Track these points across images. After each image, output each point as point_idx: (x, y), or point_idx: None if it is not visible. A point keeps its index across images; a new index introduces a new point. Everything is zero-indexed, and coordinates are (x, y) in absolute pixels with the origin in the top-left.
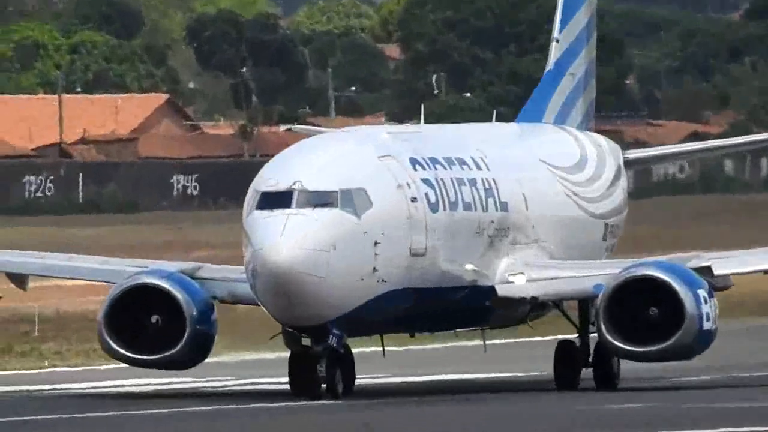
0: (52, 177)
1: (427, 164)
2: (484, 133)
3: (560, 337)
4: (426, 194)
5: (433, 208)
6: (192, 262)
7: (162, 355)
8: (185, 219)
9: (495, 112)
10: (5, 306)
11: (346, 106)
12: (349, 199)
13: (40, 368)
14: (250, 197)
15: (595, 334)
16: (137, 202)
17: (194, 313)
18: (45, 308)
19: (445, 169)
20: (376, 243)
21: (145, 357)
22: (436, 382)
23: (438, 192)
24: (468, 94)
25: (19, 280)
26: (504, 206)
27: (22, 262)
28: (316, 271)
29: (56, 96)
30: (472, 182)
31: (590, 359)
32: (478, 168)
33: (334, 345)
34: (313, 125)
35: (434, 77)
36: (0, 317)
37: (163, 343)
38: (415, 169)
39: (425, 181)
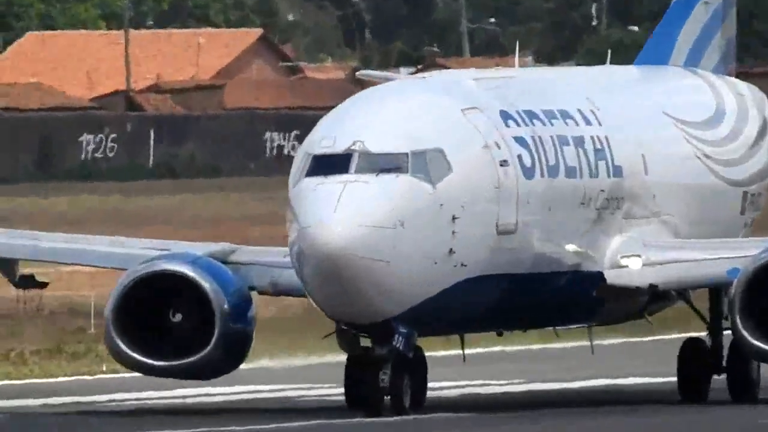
0: (115, 134)
1: (522, 119)
2: (594, 79)
3: (686, 335)
4: (519, 156)
5: (528, 173)
6: (225, 243)
7: (185, 361)
8: (279, 186)
9: (609, 52)
10: (53, 294)
11: (483, 42)
12: (423, 163)
13: (98, 373)
14: (300, 161)
15: (730, 332)
16: (220, 165)
17: (226, 307)
18: (103, 298)
19: (545, 124)
20: (454, 218)
21: (164, 363)
22: (530, 393)
23: (535, 153)
24: (635, 28)
25: (6, 267)
26: (618, 171)
27: (10, 244)
28: (378, 255)
29: (122, 32)
30: (579, 141)
31: (723, 363)
32: (587, 123)
33: (401, 347)
34: (443, 66)
35: (593, 6)
36: (48, 309)
37: (188, 346)
38: (507, 125)
39: (519, 139)
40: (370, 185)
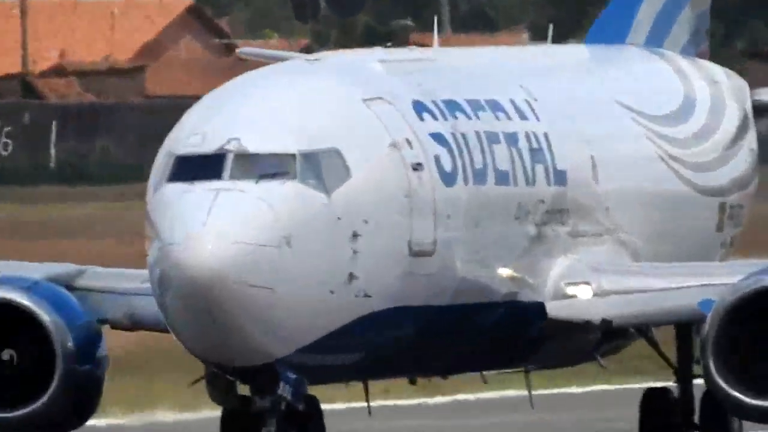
0: (9, 128)
1: (441, 111)
2: (532, 62)
3: (649, 384)
4: (437, 157)
5: (448, 179)
6: (70, 264)
7: (18, 412)
8: None
9: (551, 26)
10: None
11: (468, 16)
12: (315, 167)
13: None
14: (161, 163)
15: (702, 380)
16: (143, 165)
17: (70, 344)
18: None
19: (469, 118)
20: (355, 235)
21: None
22: None
23: (456, 154)
24: None
25: None
26: (560, 177)
27: None
28: (258, 280)
29: (17, 1)
30: (512, 139)
31: (695, 418)
32: (522, 116)
33: (288, 397)
34: (418, 44)
35: None
36: None
37: (24, 393)
38: (422, 119)
39: (436, 137)
40: (247, 194)
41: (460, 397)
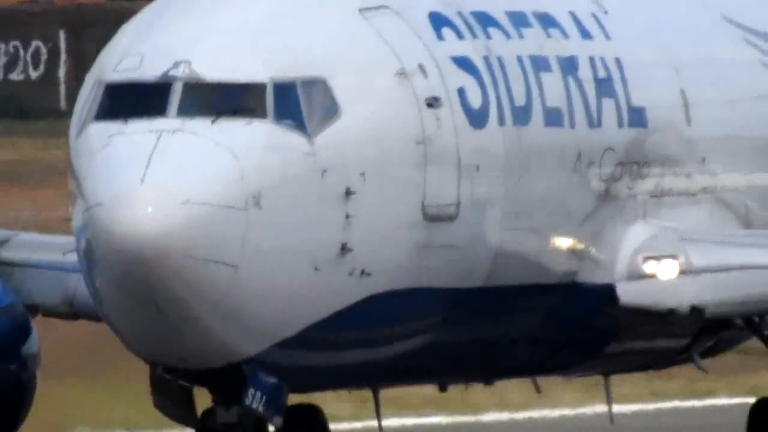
0: None
1: (469, 26)
2: None
3: (759, 397)
4: (461, 90)
5: (478, 119)
6: None
7: None
8: None
9: None
10: None
11: None
12: (292, 101)
13: None
14: (88, 95)
15: None
16: None
17: None
18: None
19: (509, 36)
20: (348, 193)
21: None
22: None
23: (489, 85)
24: None
25: None
26: (638, 117)
27: None
28: (218, 254)
29: None
30: (569, 65)
31: None
32: (585, 35)
33: (260, 409)
34: None
35: None
36: None
37: None
38: (442, 37)
39: (461, 61)
40: (201, 137)
41: (504, 415)
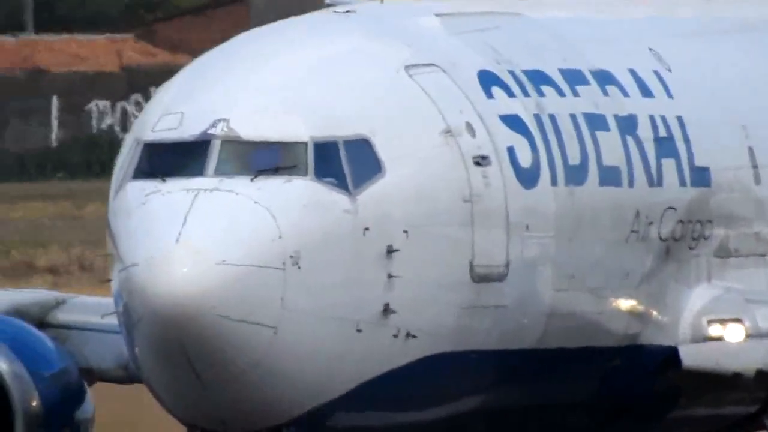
0: None
1: (521, 85)
2: (670, 16)
3: None
4: (512, 149)
5: (528, 177)
6: (45, 291)
7: None
8: None
9: None
10: None
11: None
12: (333, 159)
13: None
14: (127, 155)
15: None
16: None
17: (35, 402)
18: None
19: (563, 95)
20: (390, 252)
21: None
22: None
23: (541, 144)
24: None
25: None
26: (702, 176)
27: None
28: (255, 315)
29: None
30: (627, 123)
31: None
32: (645, 93)
33: None
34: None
35: None
36: None
37: None
38: (491, 95)
39: (512, 120)
40: (239, 196)
41: None
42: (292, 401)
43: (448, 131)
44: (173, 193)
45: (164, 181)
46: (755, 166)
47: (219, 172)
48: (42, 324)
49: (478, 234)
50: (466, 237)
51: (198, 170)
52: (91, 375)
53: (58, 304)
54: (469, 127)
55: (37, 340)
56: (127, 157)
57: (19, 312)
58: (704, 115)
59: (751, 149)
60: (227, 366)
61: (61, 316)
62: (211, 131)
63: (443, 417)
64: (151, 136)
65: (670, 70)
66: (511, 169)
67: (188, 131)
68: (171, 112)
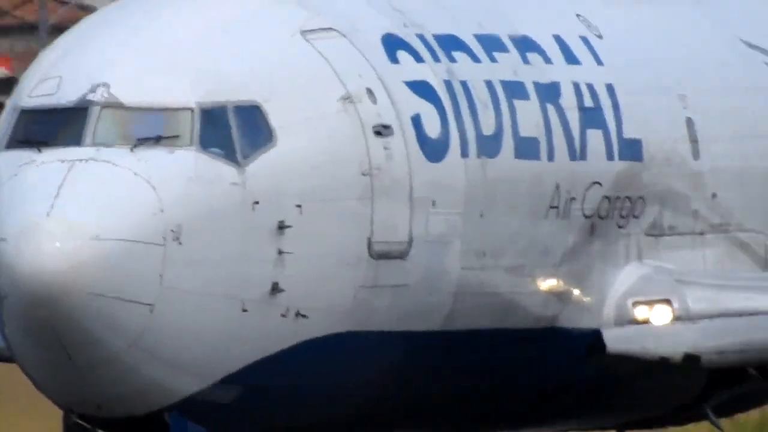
0: None
1: (431, 49)
2: None
3: None
4: (417, 118)
5: (435, 149)
6: None
7: None
8: None
9: None
10: None
11: None
12: (221, 127)
13: None
14: (3, 123)
15: None
16: None
17: None
18: None
19: (478, 60)
20: (281, 227)
21: None
22: None
23: (451, 113)
24: None
25: None
26: (632, 149)
27: None
28: (133, 291)
29: None
30: (549, 92)
31: None
32: (569, 59)
33: None
34: None
35: None
36: None
37: None
38: (396, 60)
39: (418, 87)
40: (118, 167)
41: None
42: (173, 384)
43: (346, 98)
44: (47, 163)
45: (40, 151)
46: (694, 140)
47: (97, 141)
48: None
49: (377, 209)
50: (365, 212)
51: (75, 139)
52: None
53: None
54: (370, 94)
55: None
56: (3, 125)
57: None
58: (637, 84)
59: (689, 120)
60: (101, 347)
61: None
62: (90, 97)
63: (339, 401)
64: (27, 102)
65: (600, 37)
66: (415, 140)
67: (66, 97)
68: (49, 76)
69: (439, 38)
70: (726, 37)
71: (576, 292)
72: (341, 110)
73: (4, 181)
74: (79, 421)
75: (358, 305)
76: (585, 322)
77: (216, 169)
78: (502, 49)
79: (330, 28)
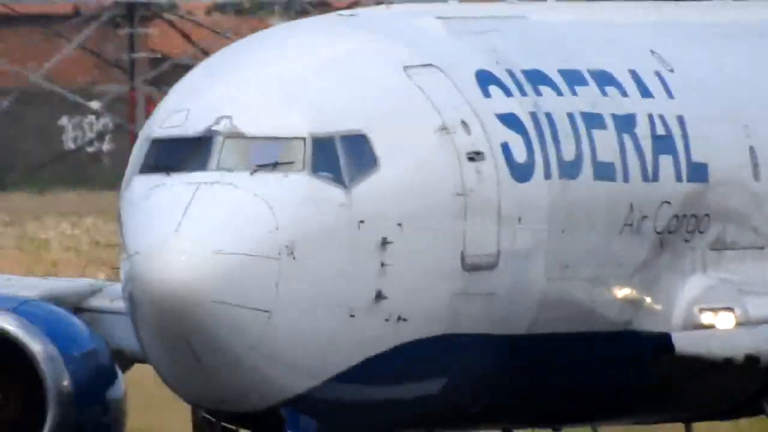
0: None
1: (518, 84)
2: (674, 19)
3: None
4: (506, 145)
5: (521, 172)
6: (85, 279)
7: None
8: None
9: None
10: None
11: None
12: (330, 155)
13: None
14: (137, 151)
15: None
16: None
17: (64, 381)
18: None
19: (560, 93)
20: (384, 242)
21: None
22: None
23: (536, 140)
24: None
25: None
26: (699, 172)
27: None
28: (252, 300)
29: None
30: (625, 122)
31: None
32: (644, 93)
33: None
34: None
35: None
36: None
37: None
38: (488, 94)
39: (507, 119)
40: (238, 189)
41: None
42: (287, 382)
43: (443, 128)
44: (176, 186)
45: (169, 175)
46: (755, 164)
47: (220, 166)
48: (77, 310)
49: (469, 226)
50: (459, 229)
51: (201, 165)
52: (124, 357)
53: (94, 291)
54: (464, 125)
55: (70, 323)
56: (136, 153)
57: (56, 299)
58: (705, 114)
59: (752, 148)
60: (224, 349)
61: (95, 302)
62: (215, 128)
63: (434, 396)
64: (158, 133)
65: (672, 71)
66: (504, 164)
67: (193, 128)
68: (178, 109)
69: (526, 73)
70: None
71: (647, 299)
72: (438, 140)
73: (138, 202)
74: (206, 416)
75: (452, 311)
76: (655, 327)
77: (326, 191)
78: (583, 83)
79: (429, 65)
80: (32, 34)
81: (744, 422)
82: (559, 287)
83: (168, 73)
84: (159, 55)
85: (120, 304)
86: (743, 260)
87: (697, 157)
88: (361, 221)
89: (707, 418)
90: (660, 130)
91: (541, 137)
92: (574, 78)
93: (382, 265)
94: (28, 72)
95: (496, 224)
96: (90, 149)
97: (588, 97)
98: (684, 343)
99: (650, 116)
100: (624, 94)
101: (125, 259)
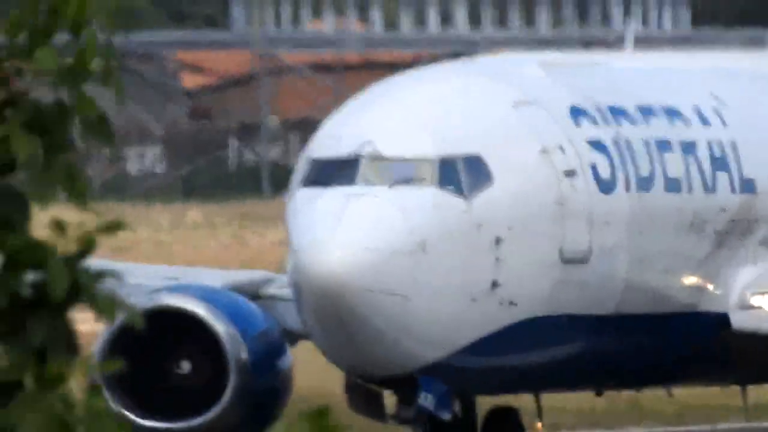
0: None
1: (603, 116)
2: (723, 65)
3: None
4: (594, 165)
5: (606, 186)
6: (260, 272)
7: (190, 422)
8: None
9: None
10: None
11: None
12: (454, 172)
13: None
14: (300, 169)
15: None
16: None
17: (242, 355)
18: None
19: (636, 124)
20: (498, 241)
21: (164, 425)
22: None
23: (617, 161)
24: None
25: None
26: (749, 186)
27: None
28: (393, 287)
29: None
30: (688, 146)
31: None
32: (704, 123)
33: (431, 408)
34: None
35: None
36: None
37: (196, 404)
38: (578, 124)
39: (594, 143)
40: (380, 199)
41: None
42: (422, 353)
43: (544, 151)
44: (331, 197)
45: (325, 188)
46: None
47: (365, 182)
48: (254, 297)
49: (566, 228)
50: (558, 230)
51: (350, 180)
52: (291, 335)
53: (267, 281)
54: (561, 148)
55: (247, 308)
56: (300, 171)
57: (236, 288)
58: (752, 140)
59: None
60: (371, 327)
61: (268, 290)
62: (360, 151)
63: (538, 366)
64: (316, 154)
65: (725, 105)
66: (593, 180)
67: (343, 150)
68: (333, 135)
69: (609, 108)
70: None
71: (709, 286)
72: (540, 160)
73: (301, 209)
74: (358, 381)
75: (552, 296)
76: (716, 308)
77: (450, 201)
78: (655, 115)
79: (533, 101)
80: None
81: None
82: (638, 277)
83: None
84: None
85: (288, 292)
86: None
87: (747, 173)
88: (479, 225)
89: (758, 382)
90: (717, 153)
91: (622, 158)
92: (647, 112)
93: (497, 259)
94: None
95: (587, 227)
96: None
97: (659, 127)
98: (739, 320)
99: (709, 142)
100: (688, 124)
101: (291, 254)
